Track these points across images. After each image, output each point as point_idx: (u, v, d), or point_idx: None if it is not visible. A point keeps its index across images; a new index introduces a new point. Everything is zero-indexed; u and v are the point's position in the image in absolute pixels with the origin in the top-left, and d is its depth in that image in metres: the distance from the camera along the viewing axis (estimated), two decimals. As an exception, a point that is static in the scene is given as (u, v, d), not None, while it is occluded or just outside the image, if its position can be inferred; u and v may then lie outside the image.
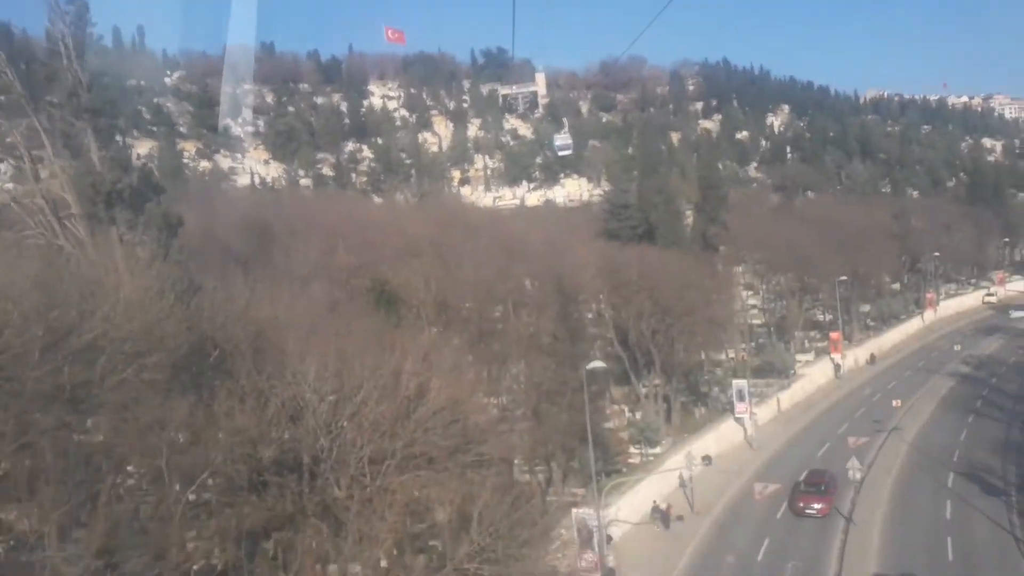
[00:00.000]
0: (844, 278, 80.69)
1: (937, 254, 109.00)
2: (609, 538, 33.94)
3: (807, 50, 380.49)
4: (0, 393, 14.39)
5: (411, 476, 17.65)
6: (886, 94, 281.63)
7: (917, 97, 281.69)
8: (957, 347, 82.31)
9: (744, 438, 56.21)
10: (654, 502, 41.60)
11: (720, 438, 54.45)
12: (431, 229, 54.18)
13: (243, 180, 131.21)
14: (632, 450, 48.88)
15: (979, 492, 43.84)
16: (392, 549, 16.96)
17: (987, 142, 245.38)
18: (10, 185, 29.22)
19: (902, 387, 69.72)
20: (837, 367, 73.70)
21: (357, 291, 35.29)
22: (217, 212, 41.26)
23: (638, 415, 51.49)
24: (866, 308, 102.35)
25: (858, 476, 41.44)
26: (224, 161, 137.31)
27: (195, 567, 16.50)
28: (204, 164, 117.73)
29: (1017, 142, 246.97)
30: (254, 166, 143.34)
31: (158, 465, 14.91)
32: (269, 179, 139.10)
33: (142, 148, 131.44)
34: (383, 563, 16.73)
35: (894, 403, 60.07)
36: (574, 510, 31.10)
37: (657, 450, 48.95)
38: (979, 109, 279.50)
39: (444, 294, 40.82)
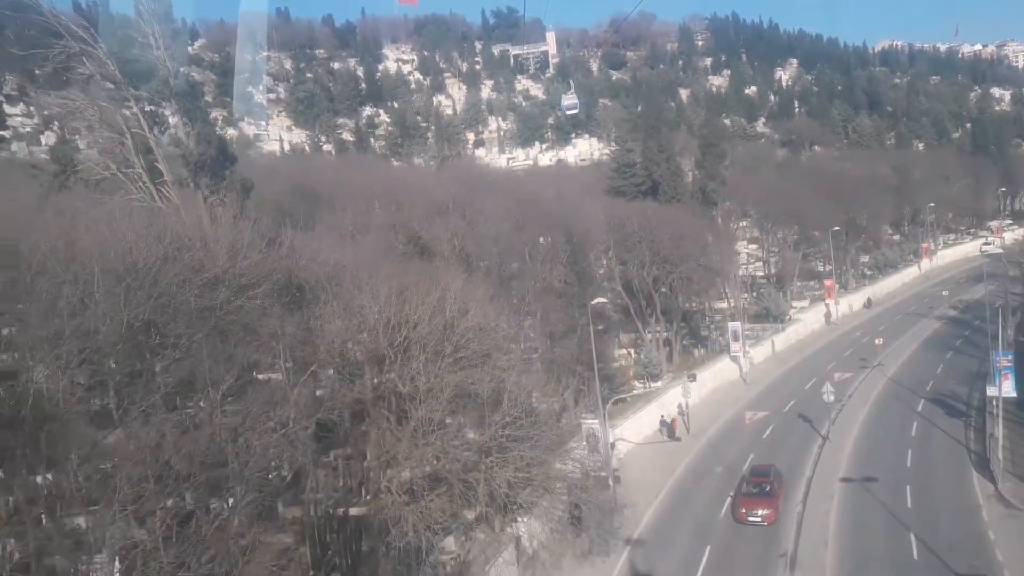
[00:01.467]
0: (837, 228, 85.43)
1: (933, 204, 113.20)
2: (613, 445, 40.11)
3: (817, 1, 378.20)
4: (165, 314, 20.11)
5: (457, 372, 23.50)
6: (898, 44, 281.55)
7: (927, 47, 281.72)
8: (945, 293, 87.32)
9: (739, 375, 62.13)
10: (661, 416, 48.11)
11: (717, 374, 60.55)
12: (453, 190, 59.79)
13: (268, 147, 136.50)
14: (636, 384, 54.83)
15: (943, 415, 49.82)
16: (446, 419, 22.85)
17: (996, 91, 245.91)
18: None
19: (891, 329, 75.23)
20: (827, 315, 78.70)
21: (395, 243, 41.00)
22: (260, 176, 46.58)
23: (643, 354, 57.34)
24: (865, 259, 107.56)
25: (831, 399, 47.11)
26: (249, 128, 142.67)
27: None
28: (231, 132, 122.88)
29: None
30: (277, 132, 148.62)
31: (278, 363, 20.69)
32: (293, 145, 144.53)
33: (172, 119, 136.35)
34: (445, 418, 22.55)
35: (876, 341, 65.46)
36: (584, 422, 37.17)
37: (659, 384, 54.97)
38: (991, 57, 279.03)
39: (467, 247, 46.57)
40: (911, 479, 39.29)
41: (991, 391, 43.88)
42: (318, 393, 22.10)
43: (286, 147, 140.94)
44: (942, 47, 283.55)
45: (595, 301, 39.08)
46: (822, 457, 43.56)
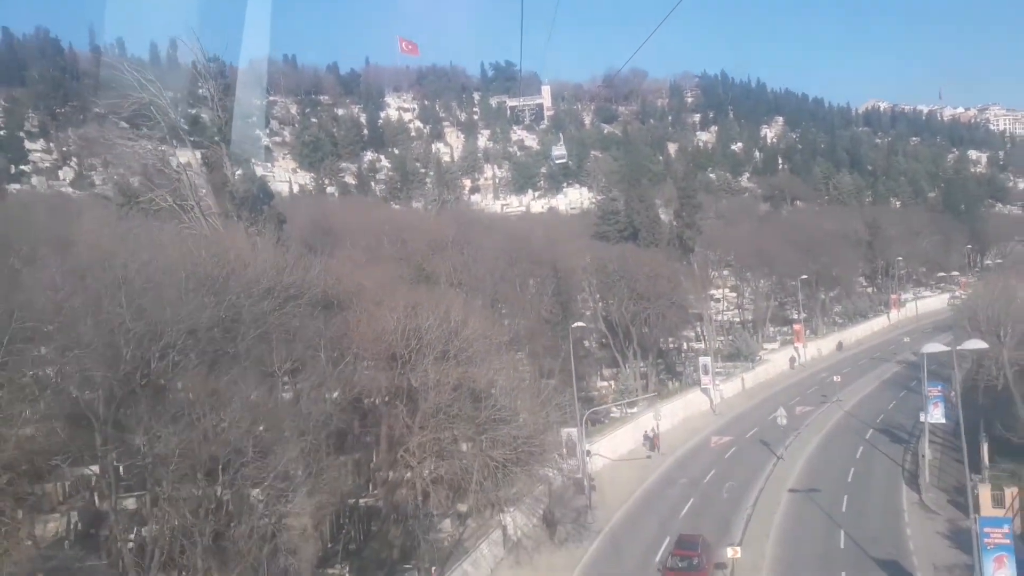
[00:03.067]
0: (805, 277, 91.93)
1: (900, 258, 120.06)
2: (589, 452, 45.65)
3: (804, 63, 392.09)
4: (234, 315, 25.81)
5: (458, 368, 29.17)
6: (881, 106, 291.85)
7: (909, 109, 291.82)
8: (906, 339, 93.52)
9: (710, 406, 67.78)
10: (645, 432, 54.05)
11: (688, 405, 66.16)
12: (451, 230, 66.00)
13: (274, 187, 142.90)
14: (614, 409, 60.42)
15: (888, 441, 55.62)
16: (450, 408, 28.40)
17: (973, 154, 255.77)
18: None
19: (854, 371, 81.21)
20: (792, 359, 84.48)
21: (402, 273, 46.81)
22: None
23: (620, 384, 63.05)
24: (837, 308, 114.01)
25: (784, 422, 52.89)
26: (257, 169, 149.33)
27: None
28: (239, 172, 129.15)
29: (1001, 154, 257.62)
30: (283, 175, 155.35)
31: (319, 355, 26.36)
32: (297, 187, 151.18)
33: (182, 157, 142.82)
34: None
35: (835, 378, 71.27)
36: (563, 429, 42.65)
37: (635, 410, 60.57)
38: (972, 121, 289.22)
39: (465, 279, 52.51)
40: (849, 490, 44.93)
41: (923, 417, 50.04)
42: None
43: (295, 188, 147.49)
44: (925, 109, 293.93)
45: (575, 324, 45.19)
46: (774, 473, 49.10)
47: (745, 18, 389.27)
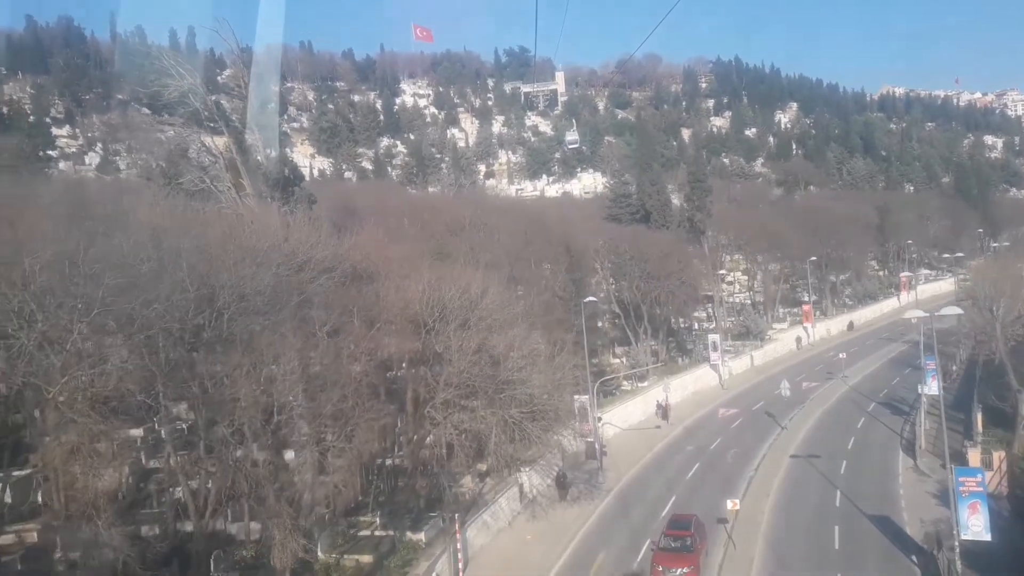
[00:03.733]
0: (814, 259, 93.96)
1: (910, 242, 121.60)
2: (600, 419, 48.32)
3: (820, 48, 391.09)
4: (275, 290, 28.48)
5: (478, 335, 31.83)
6: (896, 91, 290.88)
7: (924, 94, 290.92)
8: (914, 320, 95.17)
9: (719, 382, 70.19)
10: (657, 400, 56.51)
11: (698, 380, 68.66)
12: (469, 212, 68.59)
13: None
14: (625, 383, 62.99)
15: (888, 413, 57.93)
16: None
17: (989, 139, 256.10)
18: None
19: (862, 350, 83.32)
20: (798, 339, 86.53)
21: (424, 251, 49.43)
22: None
23: (632, 359, 65.62)
24: (849, 290, 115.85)
25: (787, 394, 55.38)
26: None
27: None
28: (272, 155, 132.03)
29: (1017, 139, 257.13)
30: (301, 160, 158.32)
31: (353, 321, 28.98)
32: (316, 172, 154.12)
33: (218, 141, 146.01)
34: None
35: (840, 355, 73.46)
36: (576, 396, 45.20)
37: (645, 384, 63.11)
38: (989, 106, 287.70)
39: (482, 257, 55.06)
40: (848, 456, 47.38)
41: (920, 389, 52.38)
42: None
43: (314, 173, 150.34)
44: (942, 94, 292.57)
45: (587, 299, 47.77)
46: (777, 442, 51.60)
47: (759, 3, 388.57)
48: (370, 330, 28.97)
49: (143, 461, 36.01)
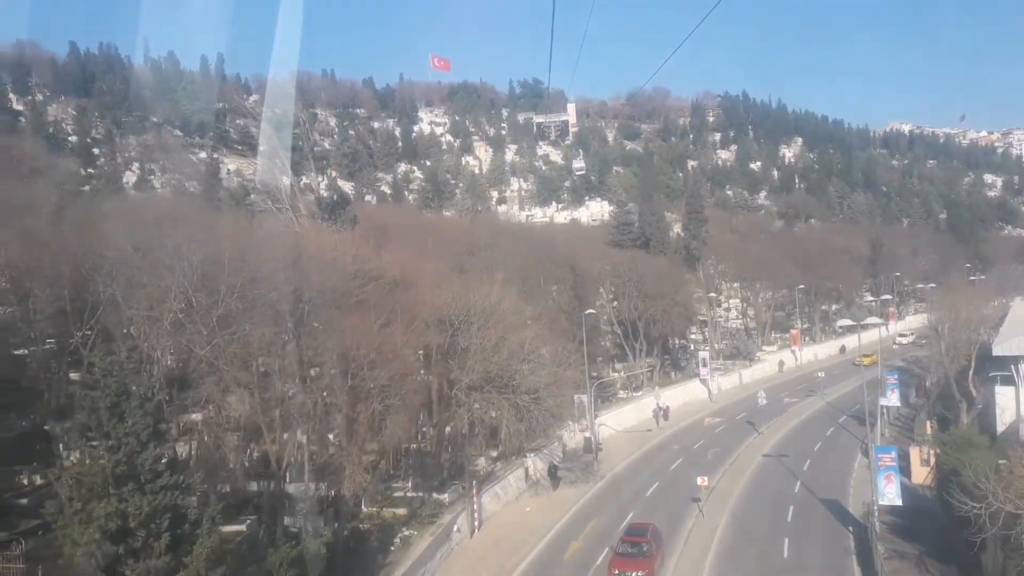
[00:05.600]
0: (803, 287, 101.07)
1: (898, 274, 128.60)
2: (596, 415, 55.41)
3: (828, 85, 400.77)
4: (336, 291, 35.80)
5: (498, 333, 39.07)
6: (903, 128, 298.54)
7: (927, 132, 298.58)
8: (895, 346, 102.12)
9: (708, 396, 77.08)
10: (657, 404, 63.60)
11: (688, 392, 75.60)
12: (485, 234, 76.22)
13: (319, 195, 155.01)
14: (622, 392, 70.05)
15: (856, 424, 64.47)
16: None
17: (989, 178, 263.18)
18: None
19: (845, 372, 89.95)
20: (780, 362, 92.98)
21: (448, 266, 56.96)
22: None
23: (627, 371, 72.78)
24: (842, 320, 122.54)
25: (764, 402, 62.29)
26: (303, 178, 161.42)
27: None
28: (284, 180, 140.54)
29: (1017, 178, 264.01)
30: (324, 183, 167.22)
31: (397, 320, 36.30)
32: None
33: (231, 165, 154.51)
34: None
35: (819, 374, 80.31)
36: (575, 395, 52.20)
37: (639, 393, 70.16)
38: (994, 145, 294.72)
39: (497, 274, 62.53)
40: (813, 456, 54.26)
41: (882, 401, 59.35)
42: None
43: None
44: (945, 132, 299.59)
45: (587, 312, 55.16)
46: (754, 443, 58.53)
47: (768, 40, 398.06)
48: (411, 326, 36.18)
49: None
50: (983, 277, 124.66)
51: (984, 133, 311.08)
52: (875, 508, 36.05)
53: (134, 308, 31.45)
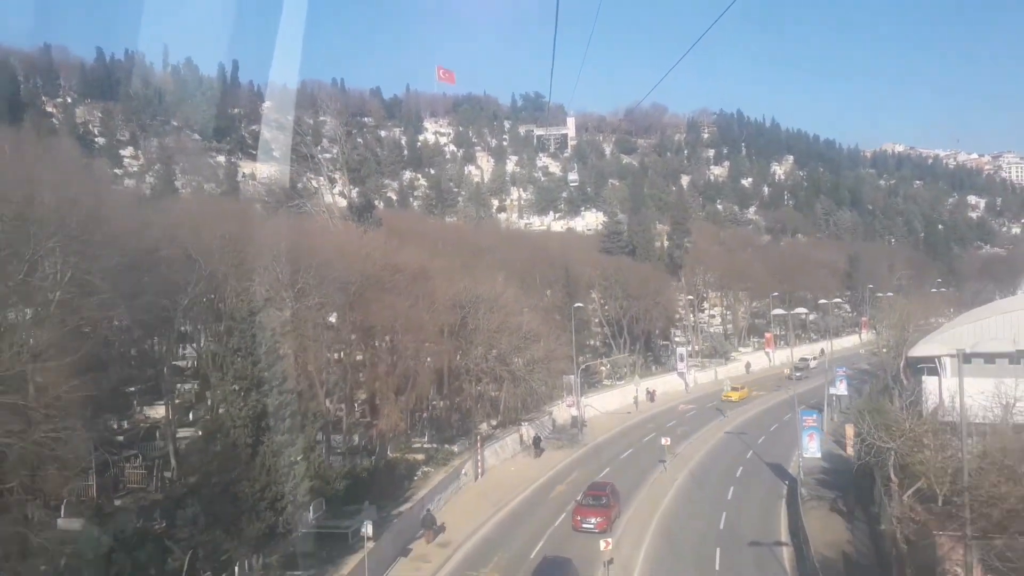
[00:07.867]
0: (776, 294, 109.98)
1: (871, 286, 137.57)
2: (584, 396, 64.16)
3: (821, 106, 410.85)
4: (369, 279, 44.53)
5: (502, 317, 47.89)
6: (895, 149, 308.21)
7: (916, 154, 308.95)
8: (862, 351, 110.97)
9: (685, 388, 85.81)
10: (647, 388, 72.69)
11: (667, 383, 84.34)
12: (488, 239, 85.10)
13: (328, 199, 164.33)
14: (606, 381, 78.81)
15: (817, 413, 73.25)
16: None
17: (973, 199, 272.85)
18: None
19: (813, 373, 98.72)
20: (747, 364, 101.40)
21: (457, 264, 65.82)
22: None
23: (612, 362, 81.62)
24: (814, 326, 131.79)
25: (728, 388, 71.09)
26: (311, 182, 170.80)
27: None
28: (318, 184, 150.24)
29: (1000, 200, 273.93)
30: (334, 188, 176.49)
31: (419, 301, 45.03)
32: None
33: (246, 168, 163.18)
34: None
35: (784, 371, 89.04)
36: (564, 376, 60.95)
37: (622, 382, 78.93)
38: (984, 167, 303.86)
39: (498, 273, 71.33)
40: (769, 434, 63.00)
41: (832, 390, 68.20)
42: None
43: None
44: (935, 154, 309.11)
45: (576, 305, 64.21)
46: (719, 424, 67.32)
47: (764, 60, 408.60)
48: (431, 307, 44.96)
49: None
50: (946, 290, 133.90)
51: (975, 155, 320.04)
52: (801, 460, 44.80)
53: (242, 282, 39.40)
